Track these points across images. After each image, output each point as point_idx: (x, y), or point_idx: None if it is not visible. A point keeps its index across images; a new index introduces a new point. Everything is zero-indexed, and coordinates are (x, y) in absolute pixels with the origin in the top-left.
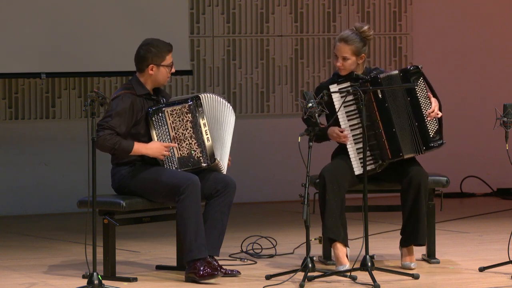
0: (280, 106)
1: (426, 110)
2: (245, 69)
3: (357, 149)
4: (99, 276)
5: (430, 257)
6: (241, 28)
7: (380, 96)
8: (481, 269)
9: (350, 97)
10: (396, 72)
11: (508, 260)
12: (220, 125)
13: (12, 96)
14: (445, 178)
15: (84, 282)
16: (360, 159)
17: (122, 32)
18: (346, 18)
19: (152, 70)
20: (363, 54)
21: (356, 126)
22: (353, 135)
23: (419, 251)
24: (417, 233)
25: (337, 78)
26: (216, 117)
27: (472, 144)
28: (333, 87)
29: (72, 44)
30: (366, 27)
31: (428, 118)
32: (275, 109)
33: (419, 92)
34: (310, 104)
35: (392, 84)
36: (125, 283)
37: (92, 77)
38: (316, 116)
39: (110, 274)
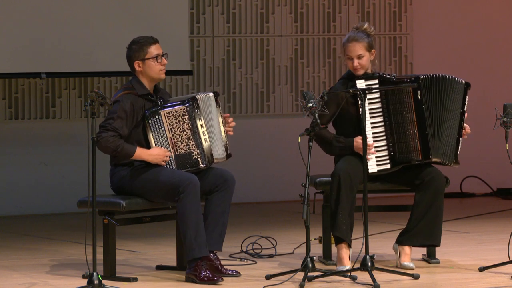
0: (280, 106)
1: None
2: (245, 69)
3: (375, 146)
4: (99, 276)
5: (430, 257)
6: (241, 28)
7: (419, 97)
8: (481, 269)
9: (376, 95)
10: (463, 82)
11: (508, 260)
12: (212, 122)
13: (12, 96)
14: (445, 178)
15: (84, 282)
16: (377, 157)
17: (122, 32)
18: (346, 18)
19: (139, 66)
20: (373, 49)
21: (378, 124)
22: (373, 133)
23: (420, 251)
24: (435, 234)
25: (353, 77)
26: (210, 115)
27: (472, 144)
28: (360, 83)
29: (72, 44)
30: (366, 25)
31: (464, 135)
32: (275, 109)
33: (467, 109)
34: (310, 104)
35: (451, 89)
36: (125, 283)
37: (92, 77)
38: (316, 116)
39: (110, 274)
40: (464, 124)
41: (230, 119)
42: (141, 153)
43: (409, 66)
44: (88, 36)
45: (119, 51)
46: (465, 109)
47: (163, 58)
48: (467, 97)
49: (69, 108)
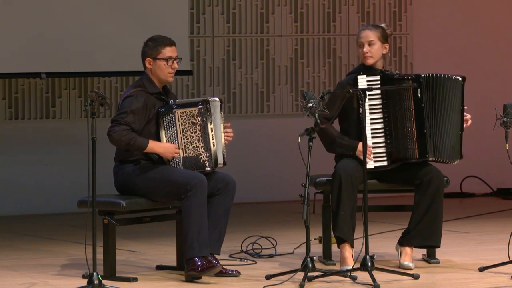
0: (280, 106)
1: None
2: (245, 69)
3: (373, 143)
4: (99, 276)
5: (430, 257)
6: (241, 28)
7: (419, 95)
8: (481, 269)
9: (377, 91)
10: (460, 78)
11: (508, 260)
12: (217, 127)
13: (12, 96)
14: (445, 178)
15: (84, 282)
16: (374, 153)
17: (122, 32)
18: (346, 18)
19: (149, 64)
20: (387, 44)
21: (377, 121)
22: (372, 129)
23: (420, 251)
24: (434, 235)
25: (362, 70)
26: (216, 120)
27: (472, 144)
28: (362, 78)
29: (72, 44)
30: (384, 25)
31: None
32: (275, 109)
33: (465, 102)
34: (310, 104)
35: (450, 88)
36: (125, 283)
37: (92, 77)
38: (316, 116)
39: (110, 274)
40: (466, 117)
41: (230, 130)
42: (153, 145)
43: (409, 66)
44: (88, 36)
45: (119, 51)
46: (464, 104)
47: (174, 62)
48: (464, 91)
49: (69, 108)
